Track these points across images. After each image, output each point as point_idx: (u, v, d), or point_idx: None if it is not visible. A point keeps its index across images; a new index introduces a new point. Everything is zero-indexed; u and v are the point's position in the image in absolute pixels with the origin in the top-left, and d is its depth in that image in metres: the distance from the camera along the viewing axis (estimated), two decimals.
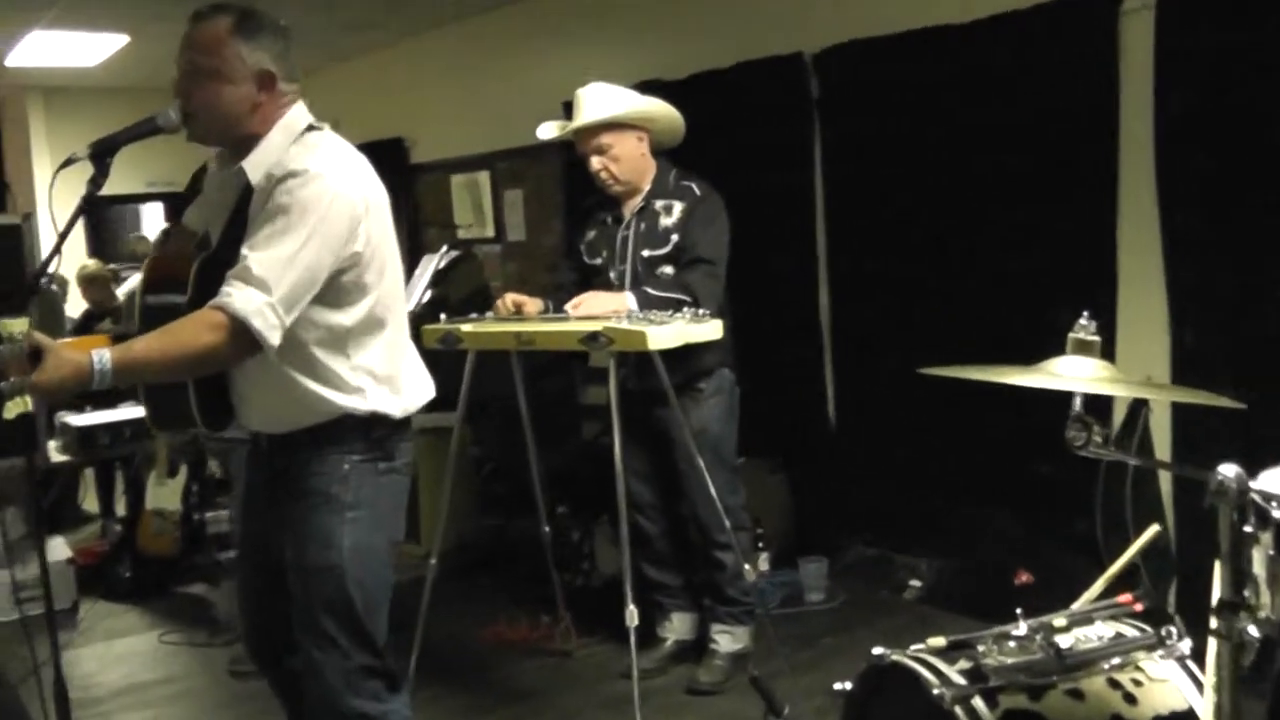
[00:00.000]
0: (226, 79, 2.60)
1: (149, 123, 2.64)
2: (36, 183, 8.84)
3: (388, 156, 8.36)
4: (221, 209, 2.71)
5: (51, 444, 5.47)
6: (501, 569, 5.56)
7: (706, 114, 5.67)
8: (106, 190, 2.72)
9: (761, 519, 5.28)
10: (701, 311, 3.72)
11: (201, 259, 2.66)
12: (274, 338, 2.46)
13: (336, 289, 2.58)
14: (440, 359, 3.97)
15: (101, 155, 2.61)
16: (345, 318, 2.61)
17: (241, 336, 2.44)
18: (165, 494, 5.66)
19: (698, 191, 4.11)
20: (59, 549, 5.46)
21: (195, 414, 2.64)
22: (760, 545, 5.20)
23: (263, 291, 2.44)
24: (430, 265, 6.26)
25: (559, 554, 5.12)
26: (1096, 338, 2.21)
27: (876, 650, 2.49)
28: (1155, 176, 4.27)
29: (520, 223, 7.51)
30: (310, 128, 2.70)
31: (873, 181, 5.26)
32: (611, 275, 4.16)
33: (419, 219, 8.45)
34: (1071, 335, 2.22)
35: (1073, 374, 2.15)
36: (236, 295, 2.44)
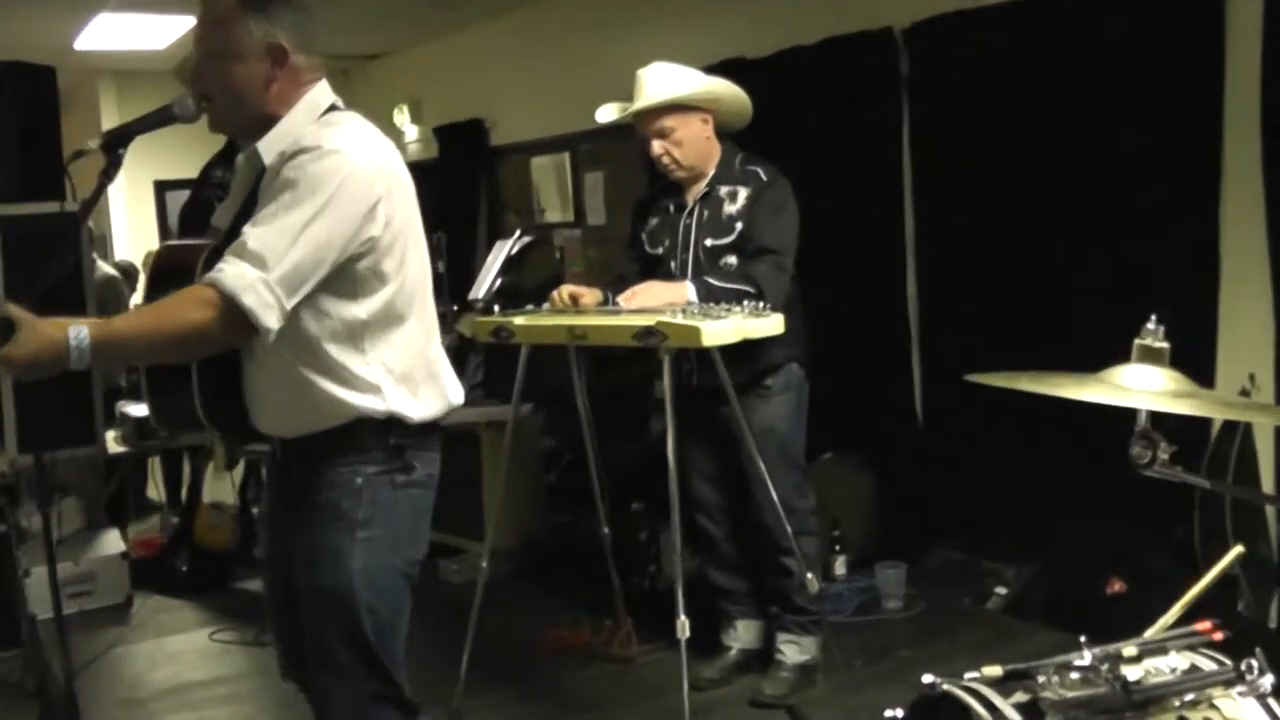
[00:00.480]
0: (237, 56, 2.50)
1: (165, 111, 2.56)
2: None
3: (468, 138, 8.38)
4: (239, 196, 2.63)
5: (110, 434, 5.50)
6: (569, 569, 5.50)
7: (791, 93, 5.67)
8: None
9: (841, 520, 5.19)
10: (763, 305, 3.62)
11: (211, 248, 2.55)
12: (269, 318, 2.33)
13: (351, 277, 2.45)
14: (536, 349, 4.04)
15: (114, 146, 2.51)
16: (360, 310, 2.48)
17: (231, 315, 2.30)
18: (222, 486, 5.69)
19: (764, 176, 4.02)
20: (113, 542, 5.50)
21: (200, 412, 2.55)
22: (837, 549, 5.10)
23: (257, 267, 2.31)
24: (502, 251, 6.23)
25: (625, 555, 5.05)
26: (1165, 344, 2.08)
27: (927, 678, 2.36)
28: (1261, 162, 4.11)
29: (600, 206, 7.47)
30: (334, 107, 2.59)
31: (964, 164, 5.14)
32: (673, 265, 4.08)
33: (498, 203, 8.44)
34: (1138, 342, 2.08)
35: (1135, 385, 2.02)
36: (228, 270, 2.32)
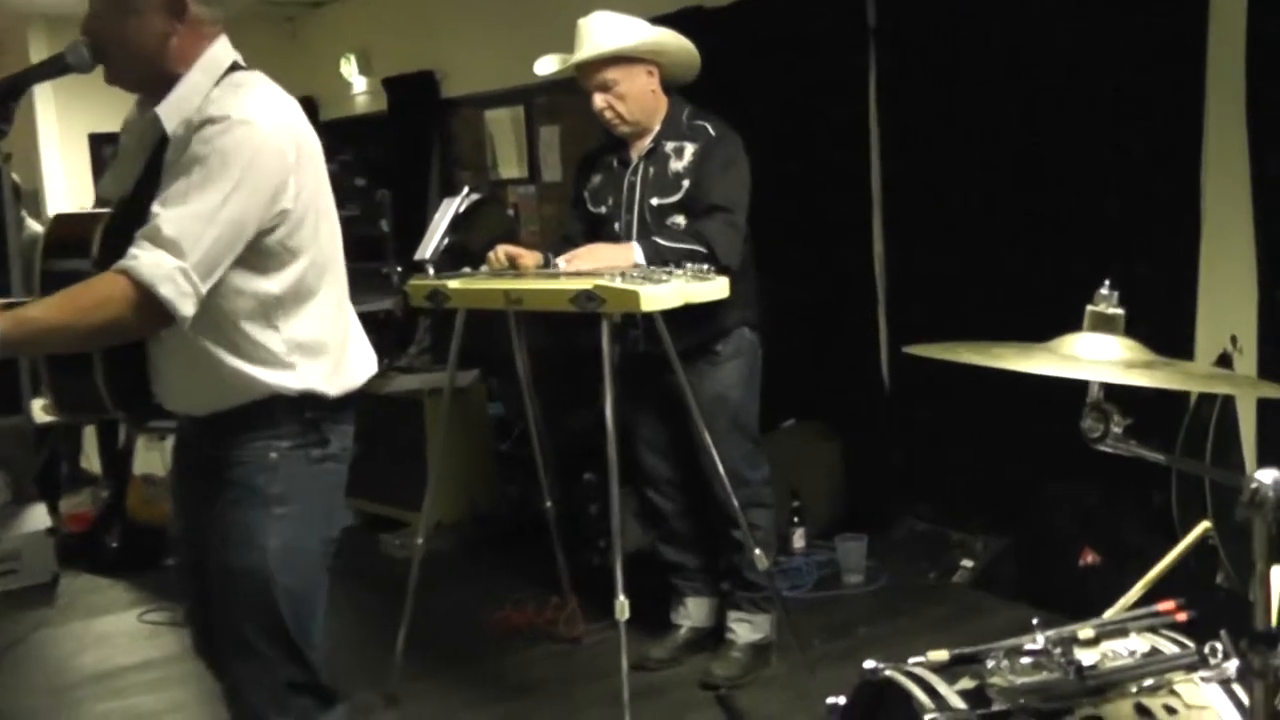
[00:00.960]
0: (132, 8, 2.41)
1: (58, 60, 2.46)
2: (39, 120, 8.82)
3: (418, 91, 8.25)
4: (135, 161, 2.54)
5: (38, 402, 5.38)
6: (518, 544, 5.43)
7: (752, 44, 5.57)
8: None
9: (802, 491, 5.14)
10: (706, 268, 3.57)
11: (109, 218, 2.48)
12: (187, 307, 2.30)
13: (262, 252, 2.40)
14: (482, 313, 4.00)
15: (3, 99, 2.43)
16: (273, 284, 2.44)
17: (148, 306, 2.27)
18: (155, 458, 5.59)
19: (712, 131, 3.95)
20: (39, 517, 5.41)
21: (104, 396, 2.48)
22: (796, 520, 5.05)
23: (174, 255, 2.28)
24: (449, 210, 6.12)
25: (576, 529, 5.00)
26: (1119, 311, 1.99)
27: (869, 664, 2.30)
28: (1245, 110, 4.03)
29: (556, 162, 7.36)
30: (235, 66, 2.50)
31: (934, 117, 5.06)
32: (617, 226, 4.03)
33: (451, 158, 8.33)
34: (1090, 308, 2.00)
35: (1086, 355, 1.94)
36: (143, 258, 2.27)
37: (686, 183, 3.92)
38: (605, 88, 3.96)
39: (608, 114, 3.99)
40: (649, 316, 3.64)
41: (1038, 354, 2.00)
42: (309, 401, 2.52)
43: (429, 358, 6.56)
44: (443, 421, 4.35)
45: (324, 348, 2.54)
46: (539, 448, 4.41)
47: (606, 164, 4.13)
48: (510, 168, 7.73)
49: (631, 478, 4.26)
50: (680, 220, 3.91)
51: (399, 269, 6.07)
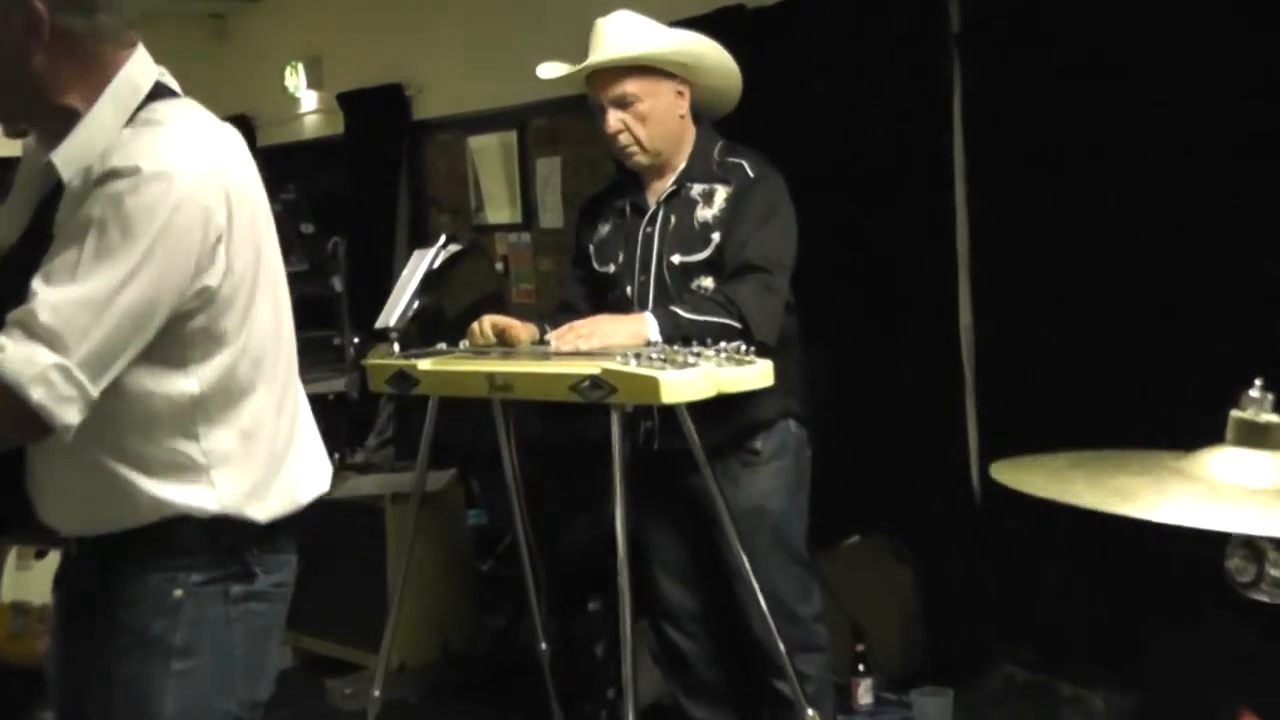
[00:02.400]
0: None
1: None
2: None
3: (383, 110, 8.35)
4: (22, 211, 2.52)
5: None
6: (502, 692, 5.43)
7: (804, 52, 5.60)
8: None
9: (867, 630, 5.13)
10: (743, 347, 3.57)
11: None
12: (68, 414, 2.26)
13: (179, 340, 2.37)
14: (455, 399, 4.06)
15: None
16: (191, 381, 2.41)
17: (17, 412, 2.24)
18: (30, 582, 5.58)
19: (750, 171, 3.99)
20: None
21: None
22: (861, 668, 5.03)
23: (52, 348, 2.23)
24: (421, 264, 6.17)
25: (577, 673, 4.98)
26: (1275, 418, 1.97)
27: None
28: None
29: (557, 202, 7.45)
30: (159, 92, 2.46)
31: (1037, 148, 5.06)
32: (628, 290, 4.05)
33: (423, 197, 8.43)
34: (1235, 414, 1.98)
35: (1227, 479, 1.91)
36: (11, 352, 2.23)
37: (716, 236, 3.95)
38: (623, 103, 4.00)
39: (623, 138, 4.03)
40: (666, 408, 3.66)
41: (1170, 478, 1.98)
42: (229, 526, 2.48)
43: (392, 453, 6.59)
44: (408, 535, 4.37)
45: (254, 459, 2.51)
46: (530, 569, 4.43)
47: (616, 210, 4.15)
48: (499, 210, 7.80)
49: (647, 610, 4.26)
50: (708, 283, 3.93)
51: (355, 340, 6.12)
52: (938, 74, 5.31)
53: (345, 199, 8.37)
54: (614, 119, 4.02)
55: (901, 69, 5.43)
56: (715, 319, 3.78)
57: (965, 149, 5.31)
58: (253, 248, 2.46)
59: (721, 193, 3.98)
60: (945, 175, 5.35)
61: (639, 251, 4.06)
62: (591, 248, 4.20)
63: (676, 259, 3.98)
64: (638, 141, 4.02)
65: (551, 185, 7.48)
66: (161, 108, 2.44)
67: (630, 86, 3.99)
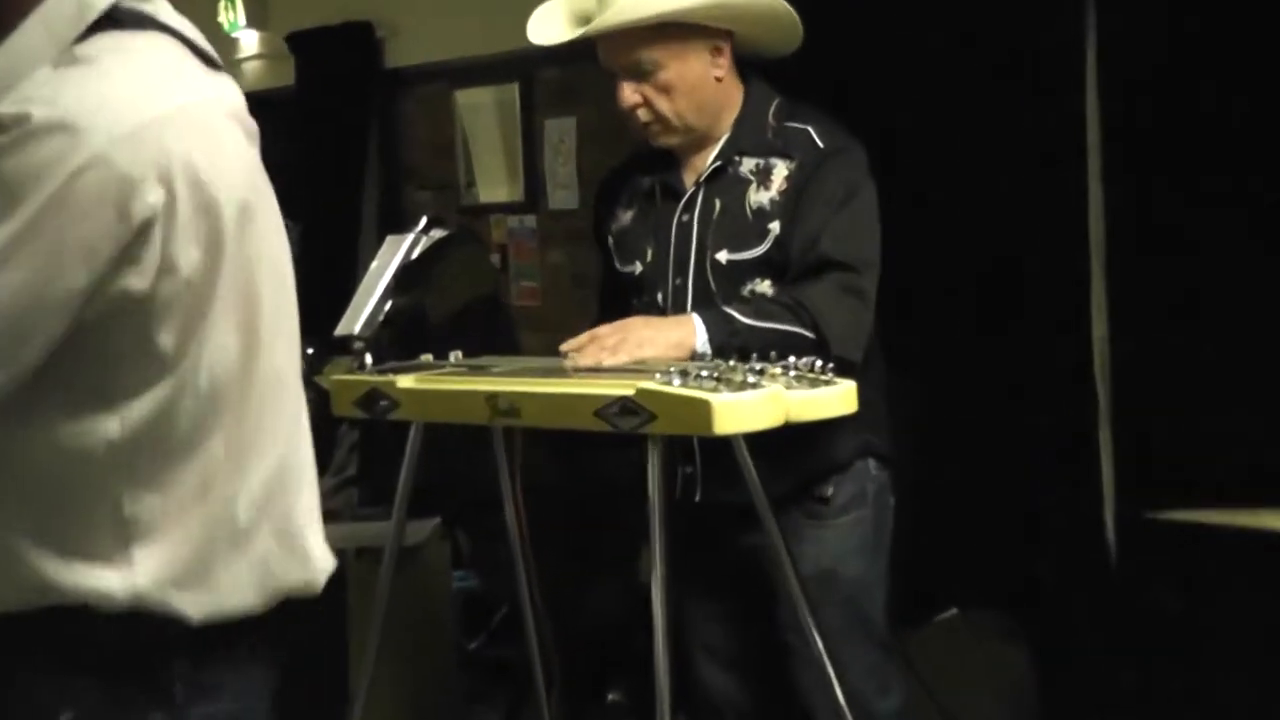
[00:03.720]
0: None
1: None
2: None
3: (344, 56, 8.37)
4: None
5: None
6: None
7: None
8: None
9: None
10: (819, 364, 3.59)
11: None
12: None
13: (97, 360, 2.22)
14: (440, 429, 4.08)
15: None
16: (112, 421, 2.24)
17: None
18: None
19: (818, 139, 4.00)
20: None
21: None
22: None
23: None
24: (396, 254, 6.20)
25: None
26: None
27: None
28: None
29: (572, 178, 7.50)
30: (114, 20, 2.27)
31: (1194, 116, 5.11)
32: (660, 296, 4.10)
33: (398, 167, 8.49)
34: None
35: None
36: None
37: (775, 226, 3.97)
38: (639, 73, 4.02)
39: (642, 115, 4.06)
40: (715, 444, 3.68)
41: None
42: (145, 623, 2.29)
43: (354, 496, 6.62)
44: (380, 601, 4.35)
45: (195, 531, 2.32)
46: (537, 647, 4.46)
47: (642, 191, 4.19)
48: (496, 186, 7.88)
49: (686, 701, 4.28)
50: (766, 287, 3.98)
51: (309, 350, 6.14)
52: (1068, 22, 5.35)
53: (297, 171, 8.30)
54: (629, 92, 4.05)
55: (1018, 17, 5.47)
56: (783, 326, 3.79)
57: (1102, 124, 5.36)
58: (212, 246, 2.27)
59: (781, 168, 4.00)
60: (1075, 159, 5.37)
61: (673, 246, 4.09)
62: (611, 240, 4.21)
63: (724, 256, 4.01)
64: (662, 120, 4.05)
65: (564, 155, 7.52)
66: (108, 40, 2.25)
67: (648, 51, 4.00)
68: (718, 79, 4.05)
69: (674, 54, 4.00)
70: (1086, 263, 5.40)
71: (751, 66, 4.14)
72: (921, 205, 4.17)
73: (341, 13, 8.37)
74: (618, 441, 3.63)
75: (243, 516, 2.37)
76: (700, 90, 4.03)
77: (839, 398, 3.59)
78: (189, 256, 2.22)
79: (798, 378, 3.56)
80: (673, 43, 3.99)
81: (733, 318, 3.85)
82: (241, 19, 9.07)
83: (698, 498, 4.04)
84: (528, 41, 7.16)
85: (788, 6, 4.08)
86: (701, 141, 4.09)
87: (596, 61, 6.33)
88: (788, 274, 3.94)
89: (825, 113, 4.11)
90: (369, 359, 4.21)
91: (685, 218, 4.07)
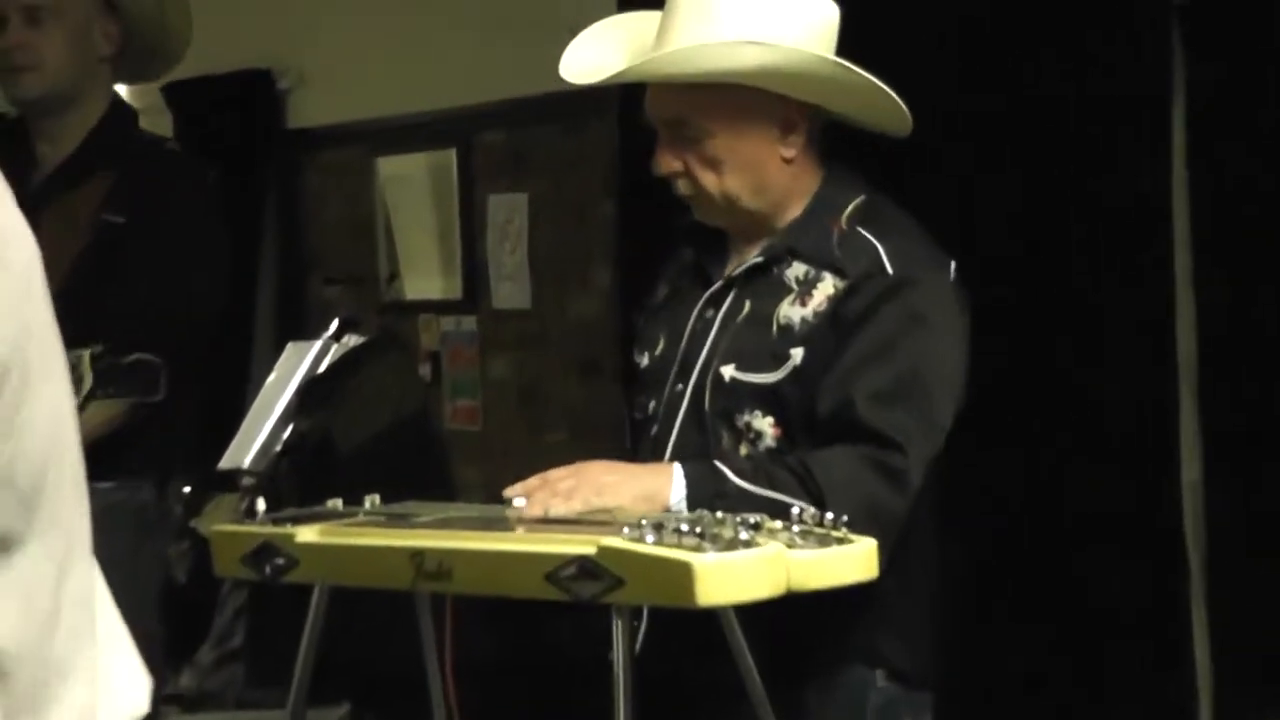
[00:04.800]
0: None
1: None
2: None
3: (237, 111, 8.42)
4: None
5: None
6: None
7: (961, 36, 5.74)
8: None
9: None
10: (831, 516, 3.59)
11: None
12: None
13: None
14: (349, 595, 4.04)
15: None
16: None
17: None
18: None
19: (887, 262, 3.86)
20: None
21: None
22: None
23: None
24: (296, 369, 6.22)
25: None
26: None
27: None
28: None
29: (522, 268, 7.53)
30: None
31: None
32: (652, 405, 4.13)
33: (302, 253, 8.54)
34: None
35: None
36: None
37: (798, 353, 3.91)
38: (681, 137, 4.03)
39: (682, 187, 4.02)
40: (695, 619, 3.63)
41: None
42: None
43: (240, 675, 6.62)
44: None
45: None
46: None
47: (685, 264, 4.28)
48: (427, 278, 7.97)
49: None
50: (766, 425, 3.93)
51: (185, 489, 6.19)
52: (1156, 63, 5.49)
53: None
54: (667, 157, 4.01)
55: (1100, 52, 5.56)
56: (782, 497, 3.70)
57: (1190, 195, 5.47)
58: (18, 321, 2.31)
59: (827, 284, 3.92)
60: (1158, 239, 5.48)
61: (685, 344, 4.09)
62: (641, 318, 4.27)
63: (729, 371, 3.97)
64: (703, 193, 4.02)
65: (512, 239, 7.59)
66: None
67: (696, 114, 3.96)
68: (786, 160, 4.02)
69: (729, 123, 3.96)
70: (1174, 387, 5.46)
71: (833, 151, 4.11)
72: (980, 317, 4.10)
73: (233, 57, 8.44)
74: (573, 608, 3.61)
75: (59, 647, 2.24)
76: (758, 170, 4.00)
77: (857, 560, 3.55)
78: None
79: (803, 534, 3.52)
80: (730, 108, 3.97)
81: (724, 476, 3.79)
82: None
83: (683, 669, 3.99)
84: (468, 96, 7.27)
85: (888, 91, 4.00)
86: (759, 225, 4.10)
87: (554, 122, 6.41)
88: (808, 428, 3.93)
89: (921, 227, 4.07)
90: (261, 503, 4.13)
91: (709, 313, 4.05)
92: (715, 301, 4.11)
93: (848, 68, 3.95)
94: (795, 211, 4.07)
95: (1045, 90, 5.65)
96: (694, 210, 4.13)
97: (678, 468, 3.88)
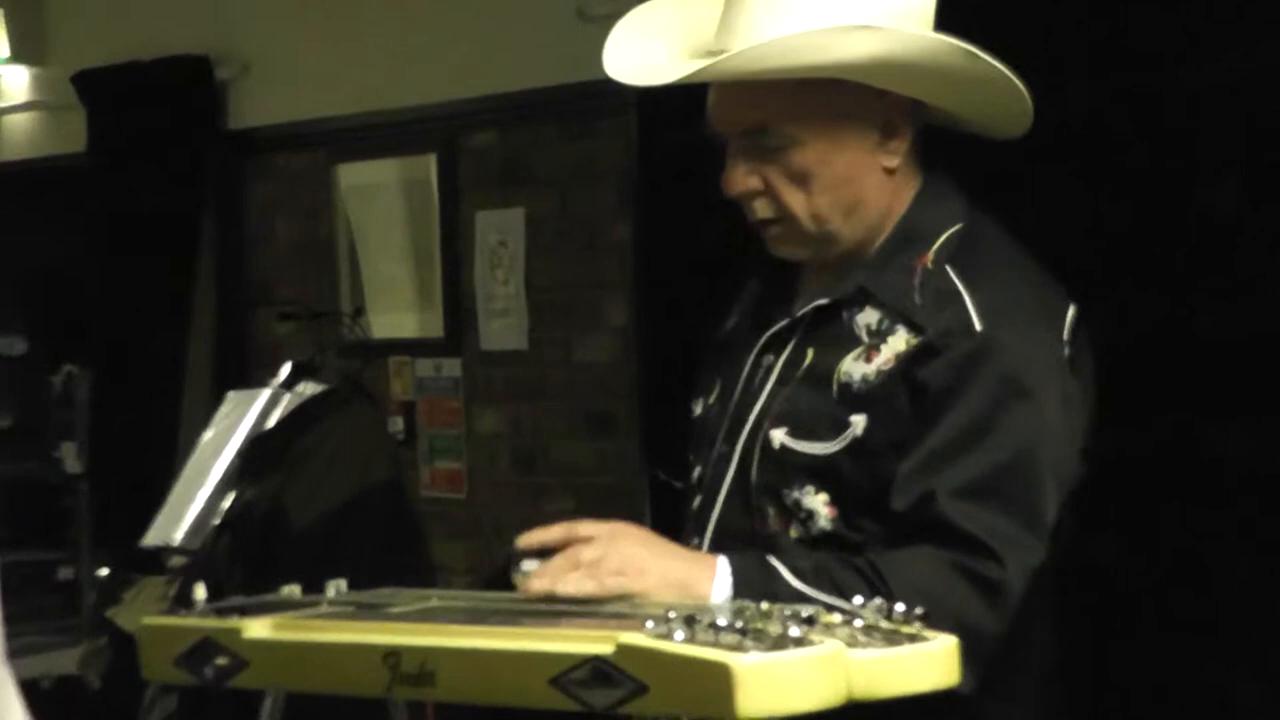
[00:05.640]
0: None
1: None
2: None
3: (167, 103, 8.42)
4: None
5: None
6: None
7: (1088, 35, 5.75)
8: None
9: None
10: (902, 609, 3.56)
11: None
12: None
13: None
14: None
15: None
16: None
17: None
18: None
19: (975, 316, 3.80)
20: None
21: None
22: None
23: None
24: (239, 422, 6.24)
25: None
26: None
27: None
28: None
29: (517, 300, 7.51)
30: None
31: None
32: (698, 470, 4.10)
33: (244, 282, 8.51)
34: None
35: None
36: None
37: (860, 421, 3.80)
38: (762, 148, 3.94)
39: (759, 209, 3.80)
40: None
41: None
42: None
43: None
44: None
45: None
46: None
47: (753, 296, 4.16)
48: (398, 312, 7.97)
49: None
50: (820, 504, 3.83)
51: (104, 571, 6.19)
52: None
53: (87, 285, 8.38)
54: (741, 173, 3.90)
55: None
56: (847, 607, 3.62)
57: None
58: None
59: (900, 338, 3.83)
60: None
61: (739, 395, 4.06)
62: (708, 354, 4.21)
63: (779, 437, 3.90)
64: (788, 217, 3.93)
65: (505, 265, 7.60)
66: None
67: (782, 120, 3.87)
68: (888, 171, 3.95)
69: (824, 128, 3.88)
70: None
71: (931, 159, 4.03)
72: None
73: (163, 40, 8.48)
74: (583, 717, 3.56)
75: None
76: (855, 186, 3.91)
77: (934, 661, 3.45)
78: None
79: (867, 629, 3.44)
80: (824, 110, 3.90)
81: (777, 574, 3.70)
82: (3, 48, 9.13)
83: None
84: (450, 91, 7.24)
85: (1016, 82, 3.91)
86: (849, 256, 4.04)
87: (553, 124, 6.41)
88: (864, 510, 3.86)
89: (1029, 264, 3.97)
90: (200, 589, 4.10)
91: (767, 359, 4.01)
92: (775, 346, 4.04)
93: (976, 54, 3.86)
94: (880, 236, 3.99)
95: None
96: (771, 241, 4.01)
97: (723, 560, 3.79)
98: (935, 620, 3.53)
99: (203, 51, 8.42)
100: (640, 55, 4.04)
